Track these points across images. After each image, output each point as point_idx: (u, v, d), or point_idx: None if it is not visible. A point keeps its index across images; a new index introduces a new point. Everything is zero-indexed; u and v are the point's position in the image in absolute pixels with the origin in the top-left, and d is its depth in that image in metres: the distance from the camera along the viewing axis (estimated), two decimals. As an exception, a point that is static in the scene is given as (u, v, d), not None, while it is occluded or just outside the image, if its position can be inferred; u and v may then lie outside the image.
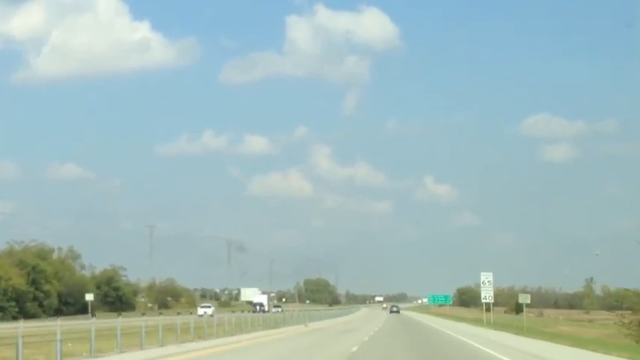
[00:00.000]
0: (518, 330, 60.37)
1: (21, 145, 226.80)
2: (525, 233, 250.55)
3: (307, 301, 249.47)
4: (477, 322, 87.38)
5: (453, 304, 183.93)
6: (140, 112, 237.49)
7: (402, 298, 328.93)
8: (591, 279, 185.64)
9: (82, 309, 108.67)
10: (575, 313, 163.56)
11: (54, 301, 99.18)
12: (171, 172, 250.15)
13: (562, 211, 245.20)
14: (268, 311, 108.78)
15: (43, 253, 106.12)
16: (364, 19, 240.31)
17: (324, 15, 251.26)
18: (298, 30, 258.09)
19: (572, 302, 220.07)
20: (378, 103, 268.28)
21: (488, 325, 75.49)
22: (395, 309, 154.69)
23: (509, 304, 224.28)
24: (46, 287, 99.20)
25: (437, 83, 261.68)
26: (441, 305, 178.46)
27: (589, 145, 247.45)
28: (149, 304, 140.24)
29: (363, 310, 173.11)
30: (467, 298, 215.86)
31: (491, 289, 79.73)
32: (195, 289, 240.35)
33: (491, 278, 79.17)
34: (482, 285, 79.23)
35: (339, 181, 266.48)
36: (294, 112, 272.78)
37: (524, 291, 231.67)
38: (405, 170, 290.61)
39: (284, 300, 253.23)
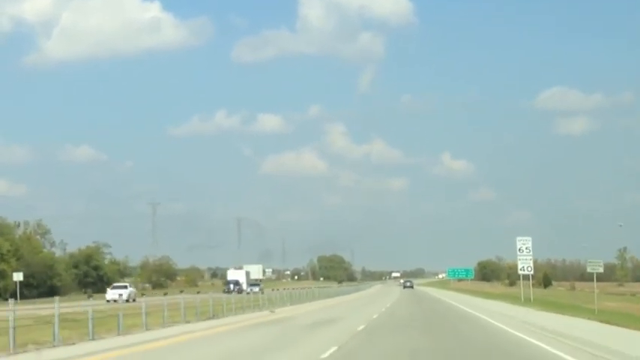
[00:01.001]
0: (576, 310, 42.54)
1: (33, 128, 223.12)
2: (542, 207, 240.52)
3: (321, 279, 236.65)
4: (509, 298, 69.67)
5: (473, 279, 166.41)
6: (152, 92, 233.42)
7: (419, 273, 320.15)
8: (625, 249, 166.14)
9: (50, 291, 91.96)
10: (608, 286, 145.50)
11: (9, 283, 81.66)
12: (184, 153, 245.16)
13: (580, 184, 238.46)
14: (245, 291, 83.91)
15: (2, 228, 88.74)
16: None
17: None
18: (310, 7, 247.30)
19: (598, 274, 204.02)
20: (392, 80, 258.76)
21: (528, 302, 57.39)
22: (408, 284, 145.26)
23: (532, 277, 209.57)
24: (1, 267, 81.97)
25: (452, 58, 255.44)
26: (460, 280, 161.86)
27: (606, 118, 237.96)
28: (146, 285, 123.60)
29: (376, 287, 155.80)
30: (488, 272, 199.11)
31: (531, 257, 61.57)
32: (209, 269, 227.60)
33: (530, 244, 60.99)
34: (518, 253, 61.00)
35: (355, 158, 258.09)
36: (308, 90, 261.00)
37: (549, 263, 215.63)
38: (421, 146, 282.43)
39: (296, 277, 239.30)
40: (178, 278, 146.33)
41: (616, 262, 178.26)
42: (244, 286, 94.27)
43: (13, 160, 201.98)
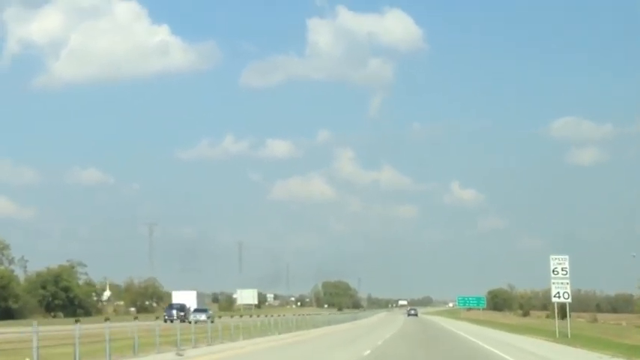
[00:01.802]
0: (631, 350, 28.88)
1: (41, 150, 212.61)
2: (553, 237, 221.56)
3: (325, 305, 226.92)
4: (537, 332, 55.82)
5: (484, 309, 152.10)
6: (160, 116, 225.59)
7: (427, 302, 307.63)
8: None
9: (4, 314, 78.69)
10: (631, 317, 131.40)
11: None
12: (191, 177, 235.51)
13: (590, 214, 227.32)
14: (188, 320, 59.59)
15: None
16: (387, 20, 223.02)
17: (346, 17, 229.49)
18: (320, 33, 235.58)
19: (615, 305, 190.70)
20: (402, 106, 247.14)
21: (565, 339, 43.49)
22: (413, 312, 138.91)
23: (549, 306, 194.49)
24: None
25: (462, 85, 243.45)
26: (469, 309, 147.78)
27: (617, 148, 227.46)
28: (131, 308, 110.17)
29: (379, 315, 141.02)
30: (500, 302, 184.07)
31: (568, 282, 47.61)
32: (214, 293, 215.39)
33: (567, 264, 47.16)
34: (552, 275, 47.07)
35: (363, 184, 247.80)
36: (317, 115, 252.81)
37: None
38: (431, 174, 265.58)
39: (298, 304, 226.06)
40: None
41: (634, 293, 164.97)
42: (192, 313, 70.95)
43: (21, 181, 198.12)
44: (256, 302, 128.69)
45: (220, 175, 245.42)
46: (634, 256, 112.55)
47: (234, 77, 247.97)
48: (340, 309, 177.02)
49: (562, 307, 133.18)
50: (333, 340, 38.69)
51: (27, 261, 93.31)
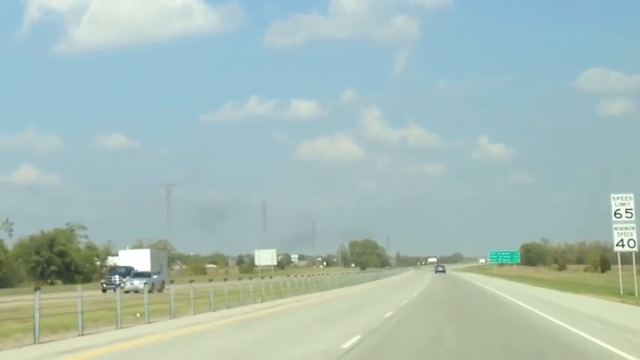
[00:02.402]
0: None
1: (64, 117, 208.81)
2: (581, 190, 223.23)
3: (352, 264, 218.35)
4: (593, 289, 45.24)
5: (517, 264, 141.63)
6: (184, 79, 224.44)
7: (457, 258, 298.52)
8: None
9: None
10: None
11: None
12: (217, 140, 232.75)
13: (618, 166, 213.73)
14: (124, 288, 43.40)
15: None
16: None
17: None
18: None
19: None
20: (428, 63, 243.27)
21: (631, 297, 32.95)
22: (440, 269, 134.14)
23: (584, 260, 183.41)
24: None
25: (489, 40, 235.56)
26: (501, 265, 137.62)
27: None
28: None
29: (406, 273, 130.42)
30: (533, 256, 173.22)
31: (634, 226, 36.76)
32: (240, 256, 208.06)
33: (632, 204, 36.32)
34: (614, 219, 36.40)
35: (390, 143, 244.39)
36: (342, 74, 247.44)
37: (598, 245, 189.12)
38: (458, 130, 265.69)
39: (325, 264, 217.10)
40: (179, 266, 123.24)
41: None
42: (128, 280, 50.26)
43: (44, 149, 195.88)
44: (275, 263, 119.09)
45: (246, 137, 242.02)
46: None
47: (258, 38, 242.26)
48: (364, 268, 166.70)
49: (604, 260, 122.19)
50: (325, 311, 28.13)
51: (12, 224, 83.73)
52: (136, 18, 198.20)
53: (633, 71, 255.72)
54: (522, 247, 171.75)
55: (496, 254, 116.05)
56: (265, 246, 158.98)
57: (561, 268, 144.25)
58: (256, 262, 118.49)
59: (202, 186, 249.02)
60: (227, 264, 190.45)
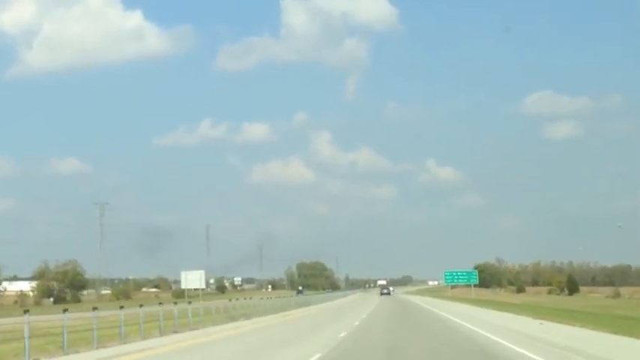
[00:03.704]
0: None
1: (18, 141, 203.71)
2: (531, 212, 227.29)
3: (300, 287, 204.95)
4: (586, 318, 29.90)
5: (467, 285, 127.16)
6: (136, 102, 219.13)
7: (407, 281, 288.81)
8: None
9: None
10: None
11: None
12: (170, 164, 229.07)
13: (567, 189, 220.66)
14: None
15: None
16: (361, 0, 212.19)
17: None
18: (294, 13, 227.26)
19: (612, 277, 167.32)
20: (378, 87, 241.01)
21: None
22: (385, 291, 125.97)
23: (542, 282, 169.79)
24: None
25: (437, 64, 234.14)
26: (454, 287, 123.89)
27: (593, 122, 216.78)
28: (48, 298, 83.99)
29: (351, 297, 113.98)
30: (487, 277, 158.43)
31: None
32: (176, 281, 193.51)
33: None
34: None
35: (342, 166, 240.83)
36: (293, 97, 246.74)
37: (554, 266, 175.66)
38: (408, 154, 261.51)
39: (269, 287, 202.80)
40: (105, 291, 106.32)
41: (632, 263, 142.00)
42: None
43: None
44: (203, 286, 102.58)
45: (199, 161, 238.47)
46: (620, 227, 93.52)
47: (210, 61, 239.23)
48: (300, 291, 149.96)
49: (571, 282, 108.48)
50: None
51: None
52: (88, 41, 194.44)
53: (578, 94, 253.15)
54: (476, 267, 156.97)
55: (451, 274, 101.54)
56: (211, 269, 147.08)
57: (520, 290, 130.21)
58: (182, 285, 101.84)
59: (153, 209, 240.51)
60: (171, 287, 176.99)
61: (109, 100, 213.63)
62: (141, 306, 29.44)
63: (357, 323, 32.49)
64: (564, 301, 72.96)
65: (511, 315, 39.63)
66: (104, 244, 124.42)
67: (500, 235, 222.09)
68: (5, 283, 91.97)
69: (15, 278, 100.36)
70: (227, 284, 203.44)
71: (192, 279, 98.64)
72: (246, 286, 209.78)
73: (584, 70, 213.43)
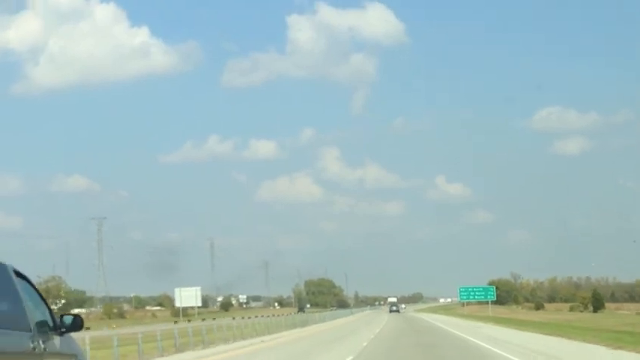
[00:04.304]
0: None
1: (24, 157, 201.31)
2: (542, 228, 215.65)
3: (308, 305, 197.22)
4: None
5: (481, 302, 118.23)
6: (143, 119, 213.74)
7: (418, 298, 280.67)
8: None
9: None
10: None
11: None
12: (177, 181, 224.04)
13: (578, 204, 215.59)
14: None
15: None
16: (368, 15, 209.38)
17: (325, 13, 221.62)
18: (300, 29, 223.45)
19: (632, 293, 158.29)
20: (386, 102, 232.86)
21: None
22: (394, 308, 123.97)
23: (559, 298, 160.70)
24: None
25: (445, 79, 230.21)
26: (465, 304, 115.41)
27: (602, 138, 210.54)
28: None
29: (358, 315, 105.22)
30: (502, 294, 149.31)
31: None
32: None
33: None
34: None
35: (349, 183, 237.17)
36: (300, 113, 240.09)
37: (571, 282, 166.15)
38: (416, 169, 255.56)
39: (276, 305, 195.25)
40: (93, 308, 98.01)
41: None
42: None
43: (5, 191, 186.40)
44: (199, 304, 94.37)
45: (205, 178, 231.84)
46: (635, 242, 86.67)
47: (216, 77, 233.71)
48: (302, 309, 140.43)
49: (596, 298, 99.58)
50: None
51: None
52: (95, 57, 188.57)
53: (587, 109, 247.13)
54: (490, 283, 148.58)
55: (466, 290, 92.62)
56: (216, 287, 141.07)
57: (538, 307, 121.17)
58: (176, 304, 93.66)
59: (160, 227, 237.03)
60: (174, 306, 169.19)
61: (115, 117, 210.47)
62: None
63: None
64: (594, 319, 64.31)
65: (553, 339, 31.13)
66: (104, 260, 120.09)
67: (512, 252, 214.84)
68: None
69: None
70: (234, 302, 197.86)
71: (188, 296, 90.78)
72: (253, 304, 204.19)
73: (592, 85, 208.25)
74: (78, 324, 8.15)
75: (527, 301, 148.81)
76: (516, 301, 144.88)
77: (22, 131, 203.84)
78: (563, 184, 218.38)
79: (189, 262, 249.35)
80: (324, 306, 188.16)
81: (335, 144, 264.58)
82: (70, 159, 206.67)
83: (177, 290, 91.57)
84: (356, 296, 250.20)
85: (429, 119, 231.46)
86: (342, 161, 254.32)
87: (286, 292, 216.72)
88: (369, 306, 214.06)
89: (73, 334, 8.49)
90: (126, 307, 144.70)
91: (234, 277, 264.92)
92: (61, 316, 8.19)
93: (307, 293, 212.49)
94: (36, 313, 7.42)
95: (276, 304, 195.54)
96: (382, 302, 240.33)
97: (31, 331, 6.95)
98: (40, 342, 7.12)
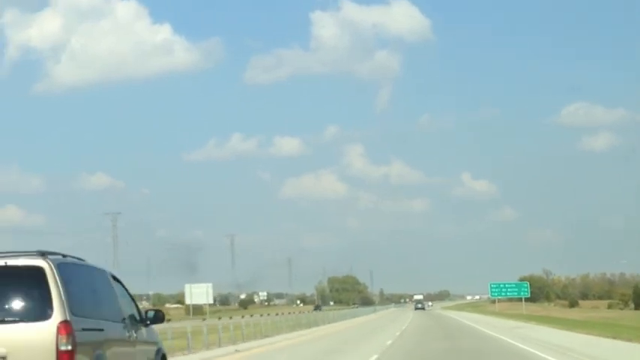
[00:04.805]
0: None
1: (47, 156, 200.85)
2: (569, 224, 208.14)
3: (331, 303, 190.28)
4: None
5: (511, 299, 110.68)
6: (165, 117, 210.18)
7: (444, 296, 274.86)
8: None
9: None
10: None
11: None
12: (201, 179, 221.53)
13: (604, 200, 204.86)
14: None
15: None
16: (392, 11, 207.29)
17: (349, 9, 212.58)
18: (324, 26, 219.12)
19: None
20: (410, 98, 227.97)
21: None
22: (420, 306, 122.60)
23: (592, 295, 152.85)
24: None
25: (471, 75, 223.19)
26: (494, 301, 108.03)
27: (630, 133, 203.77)
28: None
29: (381, 312, 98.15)
30: (534, 291, 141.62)
31: None
32: None
33: None
34: None
35: (374, 180, 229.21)
36: (324, 110, 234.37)
37: (604, 278, 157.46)
38: (441, 166, 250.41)
39: (298, 302, 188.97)
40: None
41: None
42: None
43: (28, 189, 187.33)
44: (210, 301, 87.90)
45: (229, 175, 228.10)
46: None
47: (239, 74, 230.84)
48: (318, 306, 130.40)
49: (637, 294, 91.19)
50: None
51: None
52: (116, 55, 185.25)
53: (615, 105, 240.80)
54: (521, 280, 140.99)
55: (498, 287, 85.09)
56: (237, 286, 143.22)
57: (573, 304, 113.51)
58: (187, 301, 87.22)
59: (183, 224, 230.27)
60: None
61: (137, 115, 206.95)
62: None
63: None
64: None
65: (620, 343, 24.01)
66: (120, 256, 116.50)
67: (539, 248, 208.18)
68: None
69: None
70: (256, 299, 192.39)
71: (199, 293, 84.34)
72: (277, 301, 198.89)
73: (619, 81, 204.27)
74: (159, 317, 10.26)
75: (559, 297, 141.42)
76: (548, 298, 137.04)
77: (44, 129, 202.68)
78: (591, 181, 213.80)
79: (212, 259, 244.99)
80: (347, 303, 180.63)
81: (359, 141, 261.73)
82: (93, 157, 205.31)
83: (187, 286, 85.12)
84: (381, 293, 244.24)
85: (454, 115, 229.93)
86: (367, 158, 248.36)
87: (310, 290, 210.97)
88: (393, 303, 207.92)
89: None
90: (145, 304, 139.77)
91: (256, 275, 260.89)
92: (146, 311, 10.23)
93: (331, 290, 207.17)
94: (127, 309, 9.55)
95: (298, 301, 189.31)
96: (408, 300, 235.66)
97: (124, 322, 9.12)
98: (133, 332, 9.32)
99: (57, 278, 7.65)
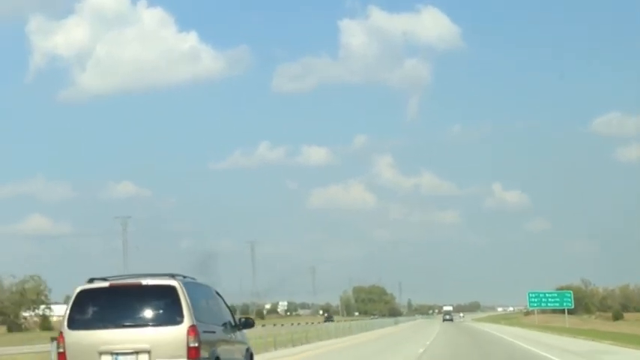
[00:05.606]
0: None
1: (73, 165, 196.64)
2: (603, 235, 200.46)
3: (356, 313, 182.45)
4: None
5: (544, 311, 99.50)
6: (192, 125, 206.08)
7: (475, 307, 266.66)
8: None
9: None
10: None
11: None
12: (227, 188, 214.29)
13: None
14: None
15: None
16: (422, 19, 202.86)
17: (378, 17, 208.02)
18: (352, 34, 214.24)
19: None
20: (441, 108, 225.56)
21: None
22: (448, 317, 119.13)
23: (633, 307, 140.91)
24: None
25: (502, 84, 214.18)
26: (528, 313, 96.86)
27: None
28: None
29: (402, 325, 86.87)
30: (575, 301, 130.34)
31: None
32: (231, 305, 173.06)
33: None
34: None
35: (403, 190, 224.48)
36: (353, 119, 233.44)
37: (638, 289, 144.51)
38: (472, 177, 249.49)
39: (321, 313, 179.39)
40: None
41: None
42: None
43: (54, 197, 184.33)
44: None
45: (256, 185, 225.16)
46: None
47: (266, 83, 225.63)
48: (330, 317, 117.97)
49: None
50: None
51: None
52: (142, 63, 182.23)
53: None
54: (559, 289, 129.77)
55: (537, 296, 74.07)
56: (255, 294, 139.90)
57: (617, 316, 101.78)
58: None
59: (209, 233, 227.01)
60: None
61: (163, 123, 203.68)
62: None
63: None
64: None
65: None
66: (130, 261, 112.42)
67: (572, 259, 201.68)
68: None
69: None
70: (279, 310, 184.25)
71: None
72: (301, 312, 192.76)
73: None
74: (250, 323, 13.84)
75: (598, 310, 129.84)
76: (588, 310, 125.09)
77: (70, 137, 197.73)
78: (624, 191, 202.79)
79: (237, 268, 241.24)
80: (373, 314, 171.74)
81: (389, 151, 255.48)
82: (119, 165, 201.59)
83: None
84: (409, 304, 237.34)
85: (485, 125, 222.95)
86: (396, 168, 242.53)
87: (335, 300, 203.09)
88: (422, 315, 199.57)
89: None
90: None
91: (275, 284, 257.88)
92: (240, 318, 13.70)
93: (356, 300, 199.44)
94: (226, 316, 13.19)
95: (321, 311, 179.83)
96: (437, 311, 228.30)
97: (225, 327, 12.72)
98: (232, 334, 12.99)
99: (185, 293, 11.21)
